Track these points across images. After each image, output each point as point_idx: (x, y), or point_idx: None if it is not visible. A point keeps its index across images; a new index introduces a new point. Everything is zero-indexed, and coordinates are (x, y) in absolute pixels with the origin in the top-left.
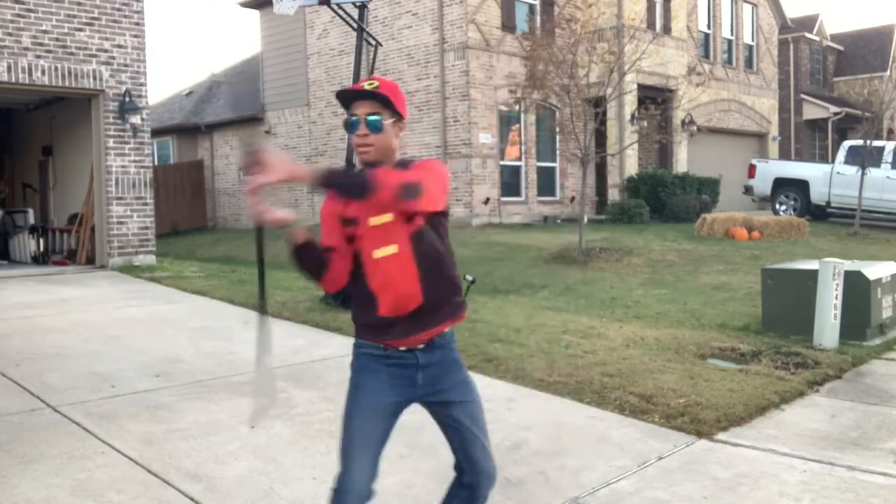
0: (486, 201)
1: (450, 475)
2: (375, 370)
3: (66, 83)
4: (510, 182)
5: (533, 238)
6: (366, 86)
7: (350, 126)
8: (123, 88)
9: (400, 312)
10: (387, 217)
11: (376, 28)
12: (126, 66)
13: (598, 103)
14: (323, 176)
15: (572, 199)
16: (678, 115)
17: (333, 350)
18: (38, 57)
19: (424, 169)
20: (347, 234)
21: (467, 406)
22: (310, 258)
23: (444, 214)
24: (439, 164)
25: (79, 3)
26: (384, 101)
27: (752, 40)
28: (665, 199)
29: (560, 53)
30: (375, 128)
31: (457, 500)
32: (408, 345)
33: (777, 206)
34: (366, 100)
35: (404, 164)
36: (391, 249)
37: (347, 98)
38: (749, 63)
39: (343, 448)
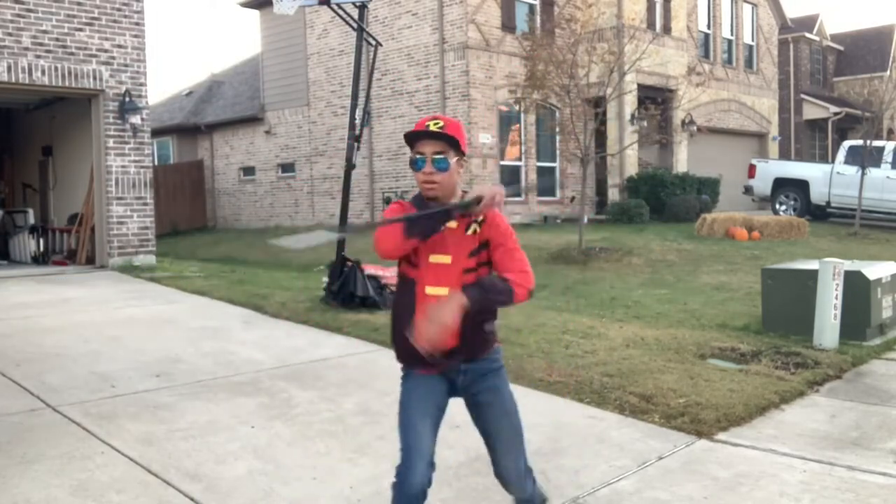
0: None
1: (450, 474)
2: (423, 376)
3: (66, 83)
4: (510, 182)
5: (533, 238)
6: (432, 126)
7: (416, 164)
8: (123, 88)
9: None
10: (445, 258)
11: (376, 28)
12: (126, 66)
13: (598, 103)
14: (476, 301)
15: (572, 199)
16: (678, 115)
17: (333, 350)
18: (38, 57)
19: (520, 254)
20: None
21: (494, 408)
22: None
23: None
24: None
25: (79, 3)
26: (450, 141)
27: (752, 40)
28: (665, 199)
29: (560, 53)
30: (442, 168)
31: None
32: (440, 371)
33: (777, 206)
34: (432, 139)
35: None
36: (442, 291)
37: (412, 136)
38: (749, 63)
39: (402, 423)
